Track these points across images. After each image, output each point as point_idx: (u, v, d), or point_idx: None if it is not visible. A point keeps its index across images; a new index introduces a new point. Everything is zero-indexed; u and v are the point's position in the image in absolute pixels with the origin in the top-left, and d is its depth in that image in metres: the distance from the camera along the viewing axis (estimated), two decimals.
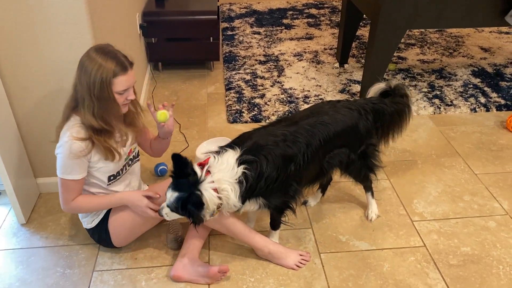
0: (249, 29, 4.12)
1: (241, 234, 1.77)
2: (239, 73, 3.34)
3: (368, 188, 2.06)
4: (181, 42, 3.27)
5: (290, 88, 3.12)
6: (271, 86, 3.16)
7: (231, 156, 1.60)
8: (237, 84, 3.18)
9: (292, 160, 1.67)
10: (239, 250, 1.89)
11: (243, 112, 2.86)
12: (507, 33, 3.98)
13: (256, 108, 2.89)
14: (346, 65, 3.41)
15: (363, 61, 3.46)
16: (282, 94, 3.06)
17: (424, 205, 2.14)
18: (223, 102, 3.01)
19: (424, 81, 3.18)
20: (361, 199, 2.18)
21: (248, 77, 3.28)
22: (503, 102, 2.93)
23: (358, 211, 2.11)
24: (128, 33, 2.64)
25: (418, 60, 3.51)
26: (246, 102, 2.97)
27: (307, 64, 3.47)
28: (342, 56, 3.36)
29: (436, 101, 2.94)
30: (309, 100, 2.97)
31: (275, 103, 2.95)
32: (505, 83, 3.16)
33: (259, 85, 3.17)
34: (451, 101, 2.94)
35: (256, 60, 3.54)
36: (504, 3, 2.55)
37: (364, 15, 2.89)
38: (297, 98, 3.00)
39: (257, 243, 1.78)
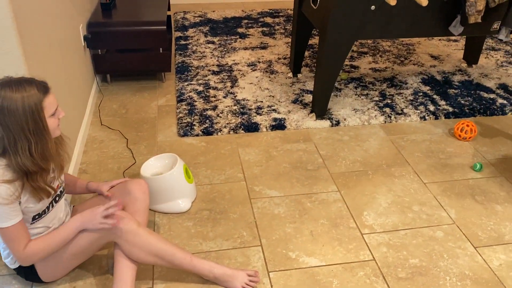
0: (203, 38, 4.06)
1: (183, 264, 1.69)
2: (191, 84, 3.27)
3: None
4: (130, 53, 3.17)
5: (243, 99, 3.08)
6: (224, 97, 3.11)
7: None
8: (189, 96, 3.11)
9: None
10: (185, 275, 1.82)
11: (194, 125, 2.78)
12: (455, 41, 4.09)
13: (207, 121, 2.83)
14: (299, 75, 3.40)
15: None
16: (234, 105, 3.01)
17: (374, 217, 2.14)
18: (174, 115, 2.93)
19: (375, 90, 3.22)
20: (312, 213, 2.15)
21: (200, 88, 3.21)
22: (451, 109, 3.00)
23: (308, 226, 2.08)
24: (69, 46, 2.52)
25: (370, 68, 3.55)
26: (198, 114, 2.90)
27: (261, 74, 3.44)
28: (295, 66, 3.35)
29: (387, 110, 2.97)
30: (262, 111, 2.93)
31: (228, 115, 2.90)
32: (453, 90, 3.24)
33: (212, 97, 3.11)
34: (402, 110, 2.98)
35: (209, 70, 3.48)
36: (447, 14, 2.61)
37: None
38: (249, 109, 2.96)
39: (201, 270, 1.71)
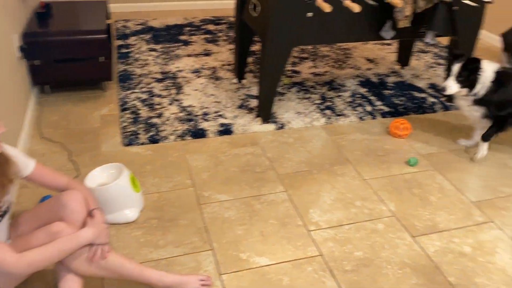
0: (145, 46, 4.02)
1: (132, 275, 1.67)
2: (134, 92, 3.23)
3: None
4: (69, 63, 3.08)
5: (189, 106, 3.09)
6: (169, 104, 3.10)
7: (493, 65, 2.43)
8: (132, 104, 3.07)
9: None
10: (135, 285, 1.80)
11: (139, 133, 2.76)
12: (388, 44, 4.34)
13: (153, 129, 2.81)
14: (244, 81, 3.47)
15: None
16: (180, 112, 3.01)
17: (320, 214, 2.23)
18: (118, 124, 2.88)
19: (316, 93, 3.34)
20: (261, 214, 2.21)
21: (144, 96, 3.18)
22: (386, 109, 3.18)
23: (258, 227, 2.13)
24: (0, 58, 2.42)
25: (311, 73, 3.68)
26: (143, 122, 2.88)
27: (206, 80, 3.46)
28: (239, 72, 3.41)
29: (328, 112, 3.10)
30: (208, 117, 2.96)
31: (174, 122, 2.90)
32: (388, 91, 3.43)
33: (157, 104, 3.09)
34: (341, 111, 3.12)
35: (153, 78, 3.46)
36: (379, 20, 2.78)
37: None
38: (196, 116, 2.97)
39: (151, 279, 1.70)
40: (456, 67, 2.41)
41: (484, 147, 2.62)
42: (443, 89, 2.46)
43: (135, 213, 2.12)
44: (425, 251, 2.04)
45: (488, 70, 2.43)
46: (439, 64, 3.95)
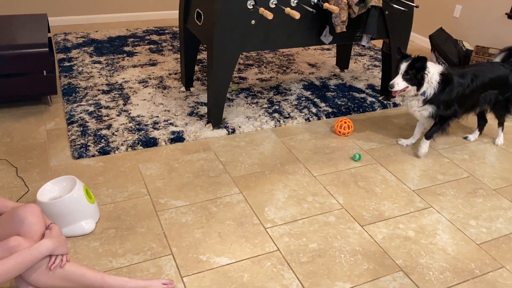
0: (88, 58, 3.96)
1: (94, 283, 1.67)
2: (81, 105, 3.18)
3: (500, 124, 3.02)
4: (10, 78, 2.98)
5: (138, 116, 3.09)
6: (118, 115, 3.09)
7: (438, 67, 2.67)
8: (80, 117, 3.03)
9: (461, 86, 2.67)
10: None
11: (89, 145, 2.73)
12: (328, 49, 4.56)
13: (103, 140, 2.79)
14: (192, 88, 3.51)
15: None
16: (130, 122, 3.01)
17: (275, 211, 2.32)
18: (66, 138, 2.83)
19: (264, 98, 3.46)
20: (218, 216, 2.27)
21: (91, 109, 3.14)
22: (330, 110, 3.35)
23: (216, 228, 2.19)
24: None
25: (257, 79, 3.80)
26: (92, 134, 2.84)
27: (154, 90, 3.48)
28: (187, 80, 3.46)
29: (276, 115, 3.22)
30: (159, 126, 2.98)
31: (124, 132, 2.89)
32: (330, 93, 3.61)
33: (105, 116, 3.07)
34: (289, 114, 3.25)
35: (98, 90, 3.42)
36: (318, 25, 2.94)
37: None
38: (146, 125, 2.98)
39: (114, 286, 1.70)
40: (403, 66, 2.60)
41: (426, 145, 2.82)
42: (392, 86, 2.63)
43: (92, 224, 2.10)
44: (373, 238, 2.19)
45: (434, 71, 2.62)
46: (376, 66, 4.21)
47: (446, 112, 2.71)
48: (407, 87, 2.63)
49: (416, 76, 2.59)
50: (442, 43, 4.14)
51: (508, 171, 2.78)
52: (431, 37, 4.22)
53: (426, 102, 2.69)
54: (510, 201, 2.50)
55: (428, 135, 2.81)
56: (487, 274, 2.02)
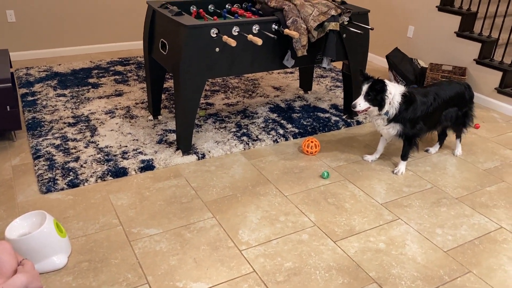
0: (52, 92, 3.93)
1: None
2: (47, 139, 3.14)
3: (458, 136, 3.17)
4: None
5: (106, 146, 3.08)
6: (85, 147, 3.06)
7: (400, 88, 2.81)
8: (46, 151, 2.98)
9: (425, 105, 2.82)
10: None
11: (57, 179, 2.69)
12: (291, 72, 4.69)
13: (71, 173, 2.76)
14: (160, 117, 3.53)
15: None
16: (98, 153, 2.99)
17: (249, 233, 2.34)
18: (33, 173, 2.78)
19: (232, 122, 3.52)
20: (193, 242, 2.27)
21: (58, 142, 3.10)
22: (297, 130, 3.44)
23: (191, 254, 2.19)
24: None
25: (224, 104, 3.86)
26: (60, 168, 2.80)
27: (121, 120, 3.47)
28: (154, 109, 3.48)
29: (245, 138, 3.28)
30: (128, 156, 2.97)
31: (92, 164, 2.87)
32: (296, 114, 3.71)
33: (72, 148, 3.03)
34: (257, 136, 3.31)
35: (64, 123, 3.38)
36: (280, 50, 3.05)
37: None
38: (115, 155, 2.97)
39: None
40: (365, 88, 2.74)
41: (403, 165, 2.96)
42: (354, 106, 2.76)
43: (63, 259, 2.06)
44: (346, 253, 2.24)
45: (396, 92, 2.75)
46: (337, 86, 4.36)
47: (412, 131, 2.84)
48: (369, 107, 2.77)
49: (376, 97, 2.72)
50: (398, 62, 4.35)
51: (468, 180, 2.92)
52: (387, 57, 4.43)
53: (390, 121, 2.82)
54: (472, 208, 2.62)
55: (404, 156, 2.95)
56: (456, 279, 2.11)
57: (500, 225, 2.49)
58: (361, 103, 2.76)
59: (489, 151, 3.28)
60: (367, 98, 2.74)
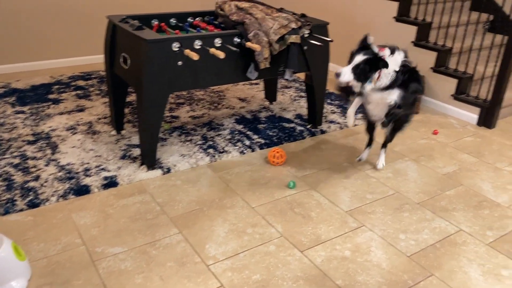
0: (10, 109, 3.80)
1: None
2: (4, 158, 3.03)
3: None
4: None
5: (68, 164, 3.00)
6: (46, 165, 2.97)
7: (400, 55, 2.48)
8: (4, 171, 2.88)
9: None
10: None
11: (15, 200, 2.60)
12: (256, 84, 4.73)
13: (31, 193, 2.67)
14: (123, 131, 3.48)
15: None
16: (59, 171, 2.91)
17: (216, 248, 2.33)
18: None
19: (197, 135, 3.50)
20: (158, 259, 2.24)
21: (16, 161, 3.00)
22: (263, 141, 3.46)
23: (157, 272, 2.15)
24: None
25: (189, 116, 3.84)
26: (19, 188, 2.71)
27: (83, 136, 3.40)
28: (117, 124, 3.43)
29: (211, 150, 3.27)
30: (90, 173, 2.90)
31: (53, 182, 2.79)
32: (262, 125, 3.74)
33: (32, 167, 2.94)
34: (223, 148, 3.31)
35: (24, 141, 3.28)
36: (243, 63, 3.07)
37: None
38: (77, 173, 2.90)
39: None
40: (358, 58, 2.37)
41: (384, 155, 2.95)
42: (338, 74, 2.45)
43: (23, 283, 1.99)
44: (313, 262, 2.27)
45: (394, 62, 2.46)
46: (301, 96, 4.43)
47: (411, 109, 2.55)
48: (352, 81, 2.49)
49: (366, 75, 2.39)
50: None
51: (428, 184, 3.01)
52: None
53: (386, 88, 2.47)
54: (433, 213, 2.71)
55: (385, 144, 2.82)
56: (419, 283, 2.16)
57: (459, 227, 2.58)
58: (346, 74, 2.40)
59: (448, 156, 3.41)
60: (356, 71, 2.38)
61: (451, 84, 4.13)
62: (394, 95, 2.53)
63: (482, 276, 2.22)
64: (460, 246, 2.43)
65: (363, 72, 2.37)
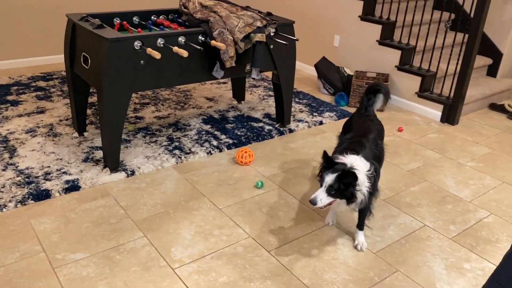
0: None
1: None
2: None
3: None
4: None
5: (27, 168, 2.88)
6: (3, 170, 2.85)
7: (364, 160, 2.19)
8: None
9: (380, 164, 2.38)
10: None
11: None
12: (224, 83, 4.69)
13: None
14: (85, 133, 3.37)
15: None
16: (18, 176, 2.79)
17: (182, 250, 2.28)
18: None
19: (163, 136, 3.44)
20: (122, 264, 2.17)
21: None
22: (231, 141, 3.43)
23: (121, 277, 2.09)
24: None
25: (154, 117, 3.77)
26: None
27: (43, 139, 3.27)
28: (79, 125, 3.32)
29: (177, 151, 3.21)
30: (51, 177, 2.80)
31: (11, 187, 2.67)
32: (230, 125, 3.71)
33: None
34: (190, 149, 3.26)
35: None
36: (208, 62, 3.03)
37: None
38: (36, 177, 2.78)
39: None
40: (329, 178, 2.06)
41: (362, 235, 2.40)
42: (313, 202, 2.08)
43: None
44: (280, 262, 2.25)
45: (364, 176, 2.13)
46: (270, 95, 4.42)
47: (371, 200, 2.28)
48: (334, 200, 2.14)
49: (344, 192, 2.08)
50: (326, 70, 4.49)
51: (393, 181, 3.06)
52: (316, 66, 4.56)
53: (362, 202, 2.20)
54: (398, 209, 2.75)
55: (362, 225, 2.39)
56: (385, 279, 2.18)
57: (424, 223, 2.62)
58: (322, 198, 2.07)
59: (412, 153, 3.47)
60: (331, 192, 2.07)
61: (415, 82, 4.22)
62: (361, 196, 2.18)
63: (445, 270, 2.27)
64: (424, 241, 2.47)
65: (341, 191, 2.07)
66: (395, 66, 4.32)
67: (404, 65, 4.29)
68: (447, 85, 4.27)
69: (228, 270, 2.17)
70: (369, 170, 2.16)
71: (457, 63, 4.02)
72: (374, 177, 2.20)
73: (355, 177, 2.05)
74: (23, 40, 4.74)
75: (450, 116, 4.03)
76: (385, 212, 2.70)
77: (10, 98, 3.96)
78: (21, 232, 2.35)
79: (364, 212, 2.35)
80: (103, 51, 2.58)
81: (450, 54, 4.06)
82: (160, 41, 2.74)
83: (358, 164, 2.14)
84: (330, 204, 2.15)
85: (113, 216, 2.51)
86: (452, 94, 4.04)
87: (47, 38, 4.87)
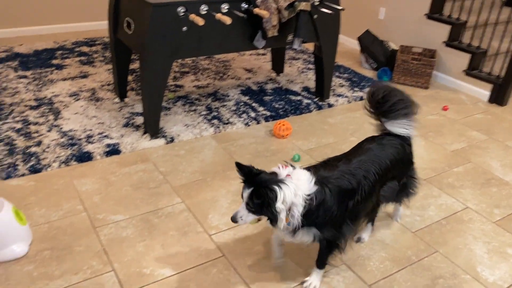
0: (13, 73, 3.74)
1: None
2: (6, 123, 3.00)
3: (399, 204, 2.33)
4: None
5: (70, 130, 2.96)
6: (48, 131, 2.94)
7: (311, 179, 1.69)
8: (6, 135, 2.84)
9: (352, 196, 1.78)
10: None
11: (17, 164, 2.57)
12: (263, 54, 4.62)
13: (33, 158, 2.64)
14: (126, 99, 3.42)
15: None
16: (62, 138, 2.87)
17: (218, 218, 2.31)
18: None
19: (202, 105, 3.44)
20: (160, 227, 2.21)
21: (19, 126, 2.97)
22: (268, 113, 3.39)
23: (159, 240, 2.14)
24: None
25: (194, 86, 3.77)
26: (21, 153, 2.68)
27: (86, 103, 3.34)
28: (121, 91, 3.36)
29: (215, 121, 3.21)
30: (93, 140, 2.86)
31: (55, 148, 2.75)
32: (268, 97, 3.67)
33: (34, 132, 2.90)
34: (228, 120, 3.26)
35: (26, 106, 3.23)
36: (250, 31, 2.97)
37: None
38: (79, 140, 2.86)
39: None
40: (246, 194, 1.67)
41: (318, 276, 1.95)
42: (234, 219, 1.71)
43: (24, 248, 1.98)
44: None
45: (296, 194, 1.65)
46: (309, 69, 4.33)
47: (336, 234, 1.81)
48: (259, 218, 1.77)
49: (262, 209, 1.66)
50: (369, 44, 4.34)
51: (436, 161, 2.96)
52: (359, 39, 4.41)
53: (297, 229, 1.74)
54: (439, 189, 2.66)
55: (321, 264, 1.94)
56: (423, 259, 2.13)
57: (466, 205, 2.53)
58: (242, 215, 1.69)
59: (457, 133, 3.33)
60: (251, 209, 1.67)
61: (463, 59, 4.02)
62: (309, 236, 1.80)
63: (487, 254, 2.19)
64: (466, 223, 2.39)
65: (259, 208, 1.66)
66: (443, 42, 4.13)
67: (453, 41, 4.09)
68: (498, 64, 4.05)
69: (264, 240, 2.18)
70: (308, 195, 1.66)
71: (510, 41, 3.79)
72: (322, 205, 1.69)
73: (273, 193, 1.58)
74: (68, 5, 4.81)
75: (499, 96, 3.84)
76: (425, 192, 2.63)
77: (55, 62, 4.05)
78: (64, 191, 2.43)
79: (323, 244, 1.84)
80: (147, 17, 2.57)
81: (504, 31, 3.82)
82: (204, 8, 2.70)
83: (297, 179, 1.66)
84: (259, 220, 1.76)
85: (152, 180, 2.55)
86: (503, 74, 3.82)
87: (91, 4, 4.92)
